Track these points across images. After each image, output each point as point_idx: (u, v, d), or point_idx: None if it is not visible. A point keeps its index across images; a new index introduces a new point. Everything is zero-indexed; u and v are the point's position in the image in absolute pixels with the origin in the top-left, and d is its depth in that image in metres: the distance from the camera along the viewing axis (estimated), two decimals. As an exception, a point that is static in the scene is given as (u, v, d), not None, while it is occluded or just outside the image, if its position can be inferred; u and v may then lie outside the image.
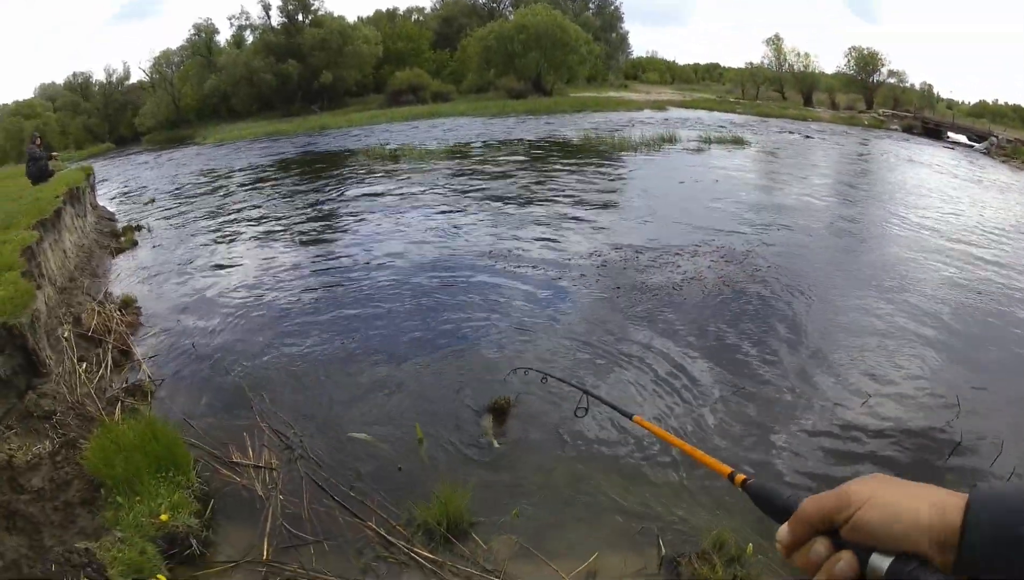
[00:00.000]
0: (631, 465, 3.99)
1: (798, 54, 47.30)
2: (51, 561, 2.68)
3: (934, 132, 36.37)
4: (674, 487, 3.80)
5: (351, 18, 48.82)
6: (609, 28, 53.82)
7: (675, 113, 32.32)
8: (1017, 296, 8.28)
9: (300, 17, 46.21)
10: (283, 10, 46.14)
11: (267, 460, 3.93)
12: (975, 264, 9.58)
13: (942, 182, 19.19)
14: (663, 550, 3.30)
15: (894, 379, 5.47)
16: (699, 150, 19.32)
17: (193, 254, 9.55)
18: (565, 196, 12.15)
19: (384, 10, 53.44)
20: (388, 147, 17.90)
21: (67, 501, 3.15)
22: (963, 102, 52.12)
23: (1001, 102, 49.79)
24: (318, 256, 8.96)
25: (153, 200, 15.83)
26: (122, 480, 3.24)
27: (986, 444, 4.45)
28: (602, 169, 15.52)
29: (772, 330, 6.27)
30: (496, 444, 4.14)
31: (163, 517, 3.03)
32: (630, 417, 1.44)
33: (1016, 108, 46.87)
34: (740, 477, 0.81)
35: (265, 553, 3.21)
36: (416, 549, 3.25)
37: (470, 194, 12.36)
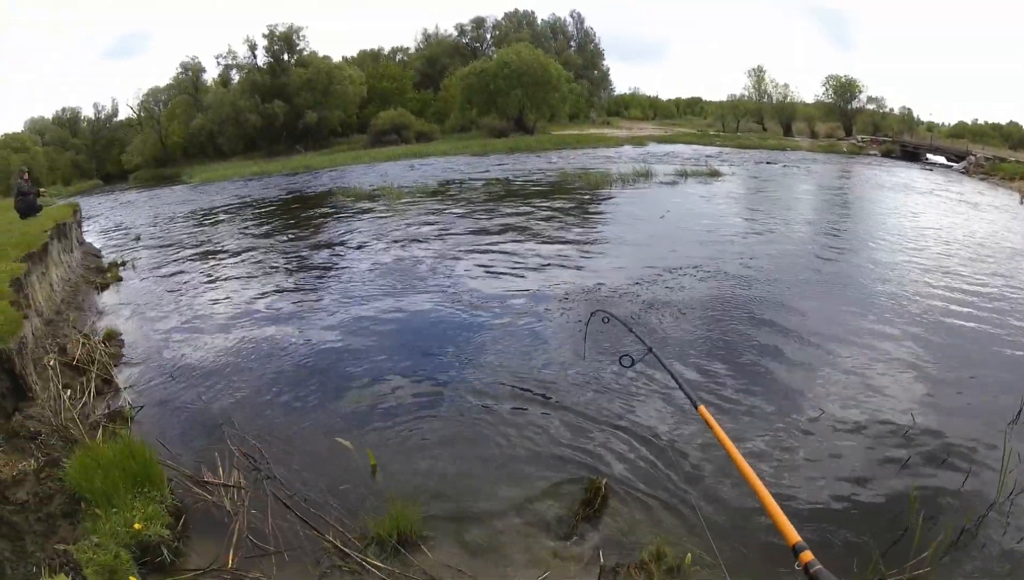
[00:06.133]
0: (564, 485, 4.24)
1: (777, 84, 47.99)
2: (32, 564, 2.95)
3: (912, 155, 36.69)
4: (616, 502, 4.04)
5: (336, 58, 49.85)
6: (591, 66, 55.84)
7: (655, 148, 32.97)
8: (997, 311, 8.04)
9: (285, 57, 47.12)
10: (268, 50, 47.43)
11: (236, 480, 4.18)
12: (953, 283, 9.29)
13: (917, 203, 19.47)
14: (602, 560, 3.51)
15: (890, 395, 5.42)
16: (674, 184, 19.91)
17: (175, 291, 9.90)
18: (542, 233, 12.60)
19: (368, 50, 55.00)
20: (367, 187, 18.21)
21: (49, 513, 3.41)
22: (943, 124, 52.24)
23: (981, 121, 50.09)
24: (292, 293, 9.28)
25: (139, 238, 16.23)
26: (100, 494, 3.49)
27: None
28: (579, 205, 16.06)
29: (771, 349, 6.36)
30: None
31: (137, 526, 3.29)
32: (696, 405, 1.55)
33: (995, 126, 47.40)
34: (807, 556, 0.68)
35: (230, 562, 3.47)
36: (368, 559, 3.51)
37: (446, 233, 12.78)
